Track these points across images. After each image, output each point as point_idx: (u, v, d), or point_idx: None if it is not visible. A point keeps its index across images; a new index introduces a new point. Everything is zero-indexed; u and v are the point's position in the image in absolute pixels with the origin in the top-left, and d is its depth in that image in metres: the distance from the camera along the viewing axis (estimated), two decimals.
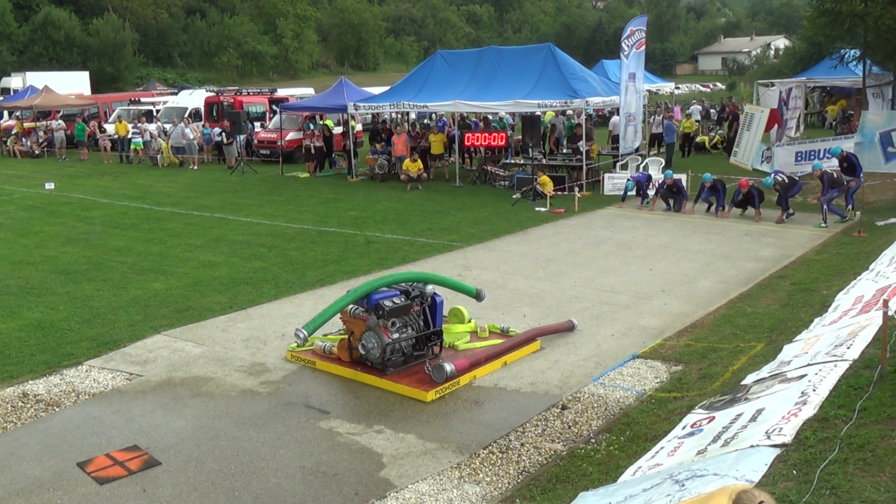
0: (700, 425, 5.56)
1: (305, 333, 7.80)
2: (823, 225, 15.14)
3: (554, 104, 20.29)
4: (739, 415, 5.32)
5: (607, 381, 7.91)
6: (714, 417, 5.59)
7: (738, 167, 22.79)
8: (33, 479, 6.11)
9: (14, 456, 6.51)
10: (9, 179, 25.23)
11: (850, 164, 15.81)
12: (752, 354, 7.94)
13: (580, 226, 15.97)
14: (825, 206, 15.41)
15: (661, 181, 17.60)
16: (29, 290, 11.64)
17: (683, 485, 4.16)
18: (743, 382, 6.36)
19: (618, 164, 21.15)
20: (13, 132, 33.95)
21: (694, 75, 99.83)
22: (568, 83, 20.32)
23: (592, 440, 6.59)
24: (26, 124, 34.57)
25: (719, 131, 29.60)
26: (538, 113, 21.11)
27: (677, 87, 39.64)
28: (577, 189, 18.89)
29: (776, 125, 23.48)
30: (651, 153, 24.36)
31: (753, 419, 5.10)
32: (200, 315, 10.22)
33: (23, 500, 5.82)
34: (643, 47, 21.92)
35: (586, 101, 19.94)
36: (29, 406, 7.51)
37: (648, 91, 24.77)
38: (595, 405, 7.31)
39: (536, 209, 17.74)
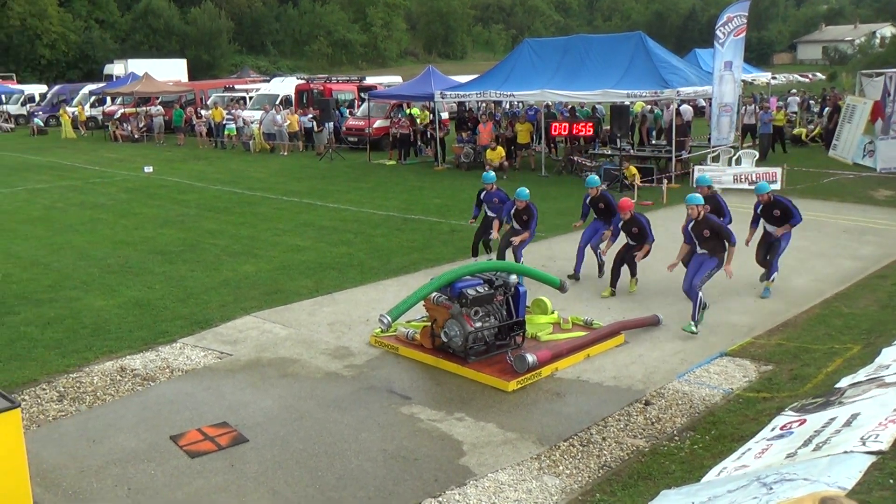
0: (790, 428, 5.38)
1: (389, 319, 7.88)
2: None
3: (643, 94, 19.85)
4: (833, 419, 5.13)
5: (693, 378, 7.74)
6: (805, 420, 5.40)
7: (837, 161, 21.89)
8: (129, 451, 6.40)
9: (112, 427, 6.84)
10: (110, 163, 26.39)
11: (784, 212, 10.67)
12: (847, 357, 7.64)
13: (668, 218, 15.60)
14: None
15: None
16: (128, 269, 12.16)
17: (771, 488, 4.03)
18: (837, 385, 6.12)
19: (710, 156, 20.58)
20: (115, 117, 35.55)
21: (792, 65, 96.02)
22: (658, 73, 19.85)
23: (676, 438, 6.47)
24: (127, 110, 36.08)
25: (817, 123, 28.36)
26: (627, 103, 20.72)
27: (774, 78, 38.09)
28: (665, 181, 18.50)
29: (880, 118, 22.39)
30: (744, 145, 23.58)
31: (848, 424, 4.90)
32: (288, 298, 10.47)
33: (119, 470, 6.11)
34: (742, 34, 21.08)
35: (677, 92, 19.43)
36: (126, 380, 7.86)
37: (743, 81, 23.90)
38: (679, 402, 7.17)
39: None
